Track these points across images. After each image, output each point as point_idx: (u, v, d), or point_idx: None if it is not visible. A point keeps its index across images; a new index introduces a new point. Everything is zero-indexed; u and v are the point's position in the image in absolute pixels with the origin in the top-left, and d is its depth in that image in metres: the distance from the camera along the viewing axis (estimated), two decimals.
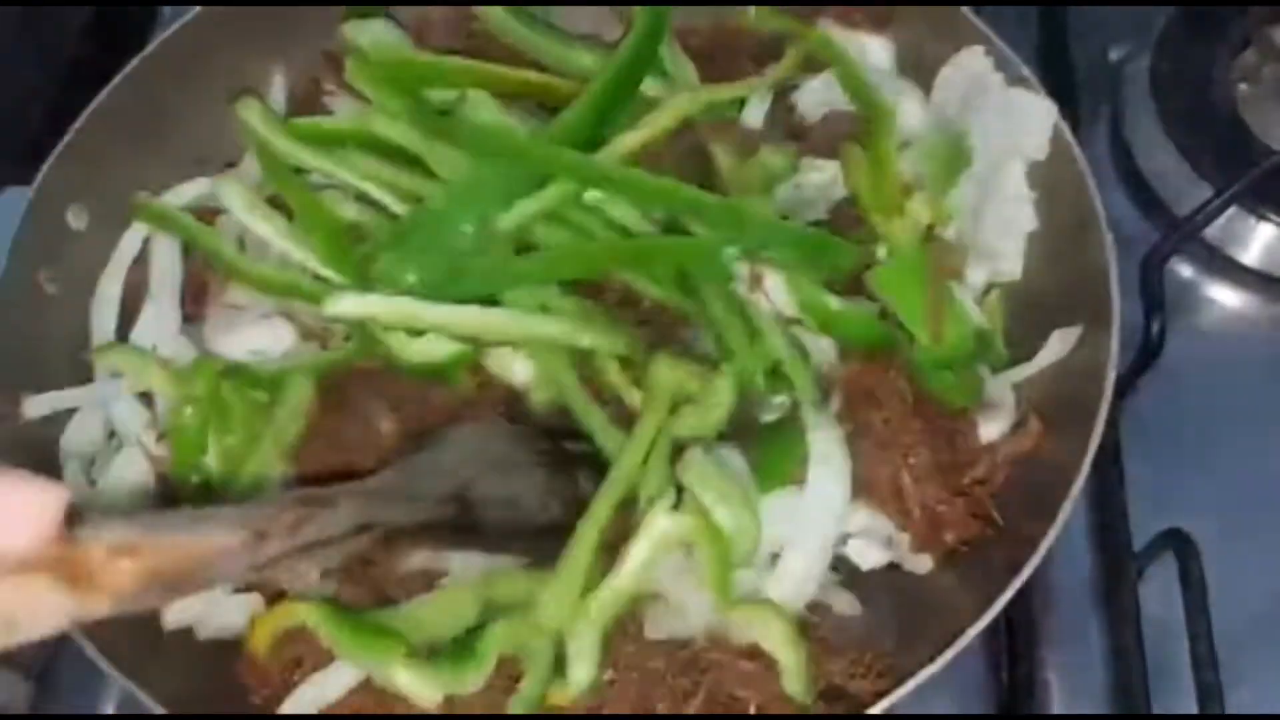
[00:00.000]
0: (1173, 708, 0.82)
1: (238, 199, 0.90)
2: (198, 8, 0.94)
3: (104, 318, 0.90)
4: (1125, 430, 0.91)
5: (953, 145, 0.89)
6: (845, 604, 0.80)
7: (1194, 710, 0.76)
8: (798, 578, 0.76)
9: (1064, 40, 1.13)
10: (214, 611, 0.80)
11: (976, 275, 0.87)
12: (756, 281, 0.84)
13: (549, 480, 0.78)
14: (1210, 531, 0.83)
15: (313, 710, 0.76)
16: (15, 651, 0.91)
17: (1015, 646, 0.86)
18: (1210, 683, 0.76)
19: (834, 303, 0.83)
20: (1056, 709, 0.85)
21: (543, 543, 0.76)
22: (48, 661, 0.92)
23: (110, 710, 0.89)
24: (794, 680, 0.74)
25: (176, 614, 0.81)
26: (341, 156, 0.90)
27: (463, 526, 0.72)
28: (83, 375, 0.88)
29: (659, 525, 0.74)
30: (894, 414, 0.80)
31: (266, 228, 0.89)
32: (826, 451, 0.77)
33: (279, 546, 0.56)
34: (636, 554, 0.74)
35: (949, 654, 0.70)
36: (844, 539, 0.80)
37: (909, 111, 0.91)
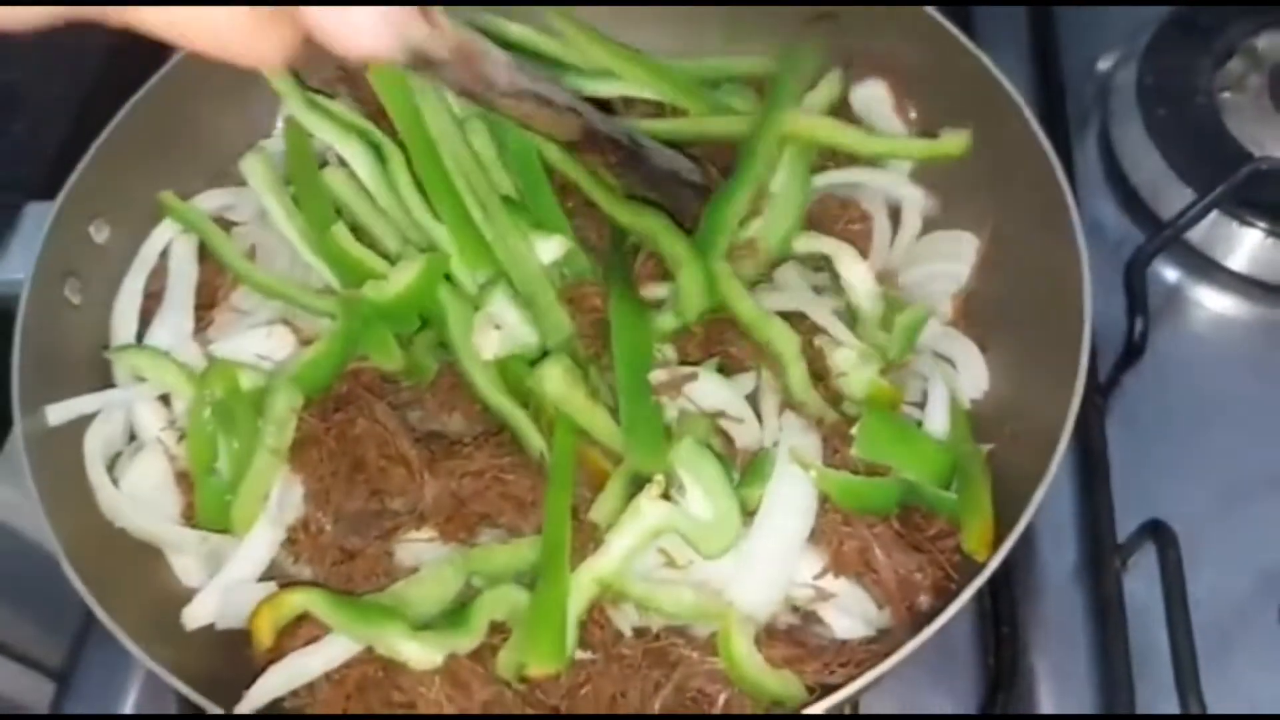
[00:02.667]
0: (1156, 693, 0.83)
1: (259, 173, 0.95)
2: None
3: (125, 318, 0.94)
4: (1111, 427, 0.94)
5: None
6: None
7: (1174, 697, 0.78)
8: (760, 589, 0.78)
9: (1054, 50, 1.16)
10: (231, 602, 0.83)
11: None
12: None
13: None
14: (1192, 523, 0.85)
15: (295, 683, 0.79)
16: (40, 654, 0.96)
17: (1002, 635, 0.88)
18: (1187, 668, 0.77)
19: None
20: (1042, 695, 0.88)
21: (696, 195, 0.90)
22: (70, 662, 0.94)
23: (129, 711, 0.92)
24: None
25: (196, 613, 0.84)
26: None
27: (640, 157, 0.87)
28: (105, 381, 0.92)
29: (646, 515, 0.77)
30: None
31: (279, 210, 0.93)
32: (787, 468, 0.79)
33: (521, 86, 0.75)
34: (621, 542, 0.77)
35: (921, 638, 0.71)
36: (823, 596, 0.80)
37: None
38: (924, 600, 0.80)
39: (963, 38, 0.92)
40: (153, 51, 1.19)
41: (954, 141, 0.92)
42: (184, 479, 0.89)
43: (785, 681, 0.77)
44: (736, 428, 0.84)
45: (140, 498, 0.87)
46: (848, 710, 0.86)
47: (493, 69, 0.72)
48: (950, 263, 0.93)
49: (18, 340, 0.84)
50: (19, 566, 0.99)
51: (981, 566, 0.74)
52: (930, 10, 0.92)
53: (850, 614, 0.80)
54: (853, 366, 0.84)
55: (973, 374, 0.89)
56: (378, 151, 0.94)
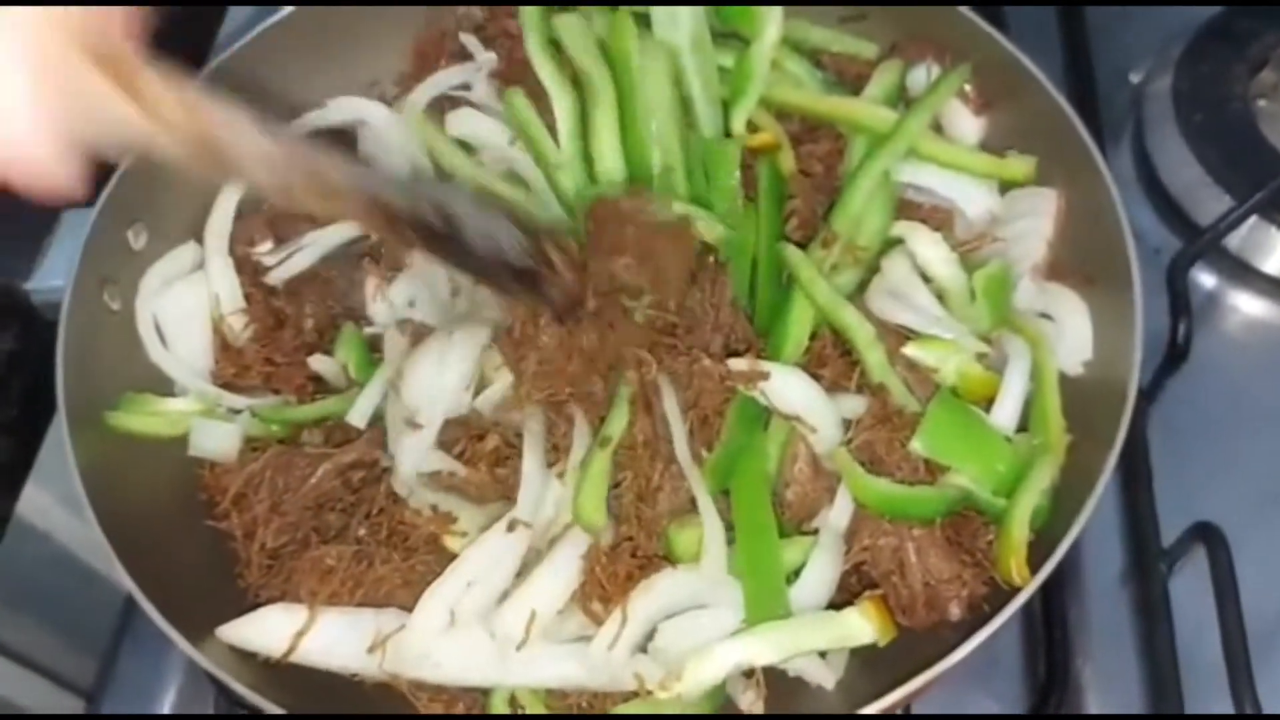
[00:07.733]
0: (1204, 697, 0.83)
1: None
2: (240, 43, 0.98)
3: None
4: (1154, 431, 0.94)
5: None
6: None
7: (1226, 699, 0.77)
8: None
9: (1088, 65, 1.17)
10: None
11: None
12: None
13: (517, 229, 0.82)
14: (1236, 526, 0.84)
15: None
16: (70, 670, 0.96)
17: (1051, 639, 0.87)
18: (1240, 668, 0.77)
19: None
20: (1090, 700, 0.87)
21: (519, 283, 0.82)
22: (100, 679, 0.94)
23: (167, 710, 0.92)
24: None
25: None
26: None
27: (452, 239, 0.78)
28: (146, 381, 0.92)
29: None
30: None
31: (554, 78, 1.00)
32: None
33: (291, 179, 0.64)
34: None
35: (963, 651, 0.71)
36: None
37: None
38: (955, 610, 0.80)
39: (1003, 40, 0.95)
40: (188, 57, 1.21)
41: (1020, 165, 0.95)
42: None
43: None
44: (811, 436, 0.83)
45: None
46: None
47: (240, 151, 0.63)
48: (1035, 218, 0.92)
49: (60, 347, 0.85)
50: (50, 576, 1.00)
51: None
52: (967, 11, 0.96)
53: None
54: (933, 358, 0.84)
55: (1076, 336, 0.87)
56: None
